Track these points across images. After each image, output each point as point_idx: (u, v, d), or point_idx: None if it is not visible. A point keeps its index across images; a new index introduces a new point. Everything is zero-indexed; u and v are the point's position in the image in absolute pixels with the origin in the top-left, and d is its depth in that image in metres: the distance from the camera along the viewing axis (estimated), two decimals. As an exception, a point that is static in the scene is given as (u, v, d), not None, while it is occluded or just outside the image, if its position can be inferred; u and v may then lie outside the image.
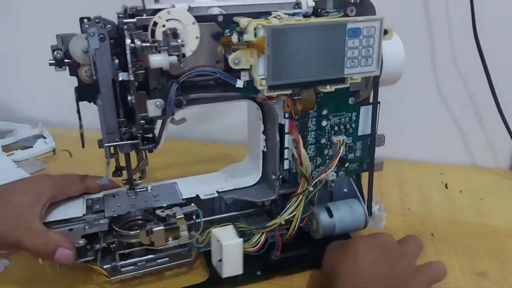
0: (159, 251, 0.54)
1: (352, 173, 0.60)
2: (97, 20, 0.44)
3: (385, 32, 0.50)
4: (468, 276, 0.57)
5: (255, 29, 0.45)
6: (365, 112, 0.57)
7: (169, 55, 0.45)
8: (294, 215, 0.55)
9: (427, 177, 0.81)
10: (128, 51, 0.43)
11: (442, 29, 0.80)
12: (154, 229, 0.51)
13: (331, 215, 0.57)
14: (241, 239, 0.51)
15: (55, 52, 0.47)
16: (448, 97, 0.84)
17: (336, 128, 0.56)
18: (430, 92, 0.84)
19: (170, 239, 0.53)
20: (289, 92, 0.49)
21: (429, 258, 0.58)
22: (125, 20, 0.44)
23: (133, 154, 0.53)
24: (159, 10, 0.45)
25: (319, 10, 0.51)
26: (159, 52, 0.44)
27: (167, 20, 0.45)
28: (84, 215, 0.53)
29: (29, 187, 0.51)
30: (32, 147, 0.87)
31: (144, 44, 0.44)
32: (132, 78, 0.44)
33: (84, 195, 0.56)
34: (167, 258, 0.54)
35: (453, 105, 0.85)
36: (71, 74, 0.49)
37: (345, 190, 0.62)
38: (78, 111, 0.49)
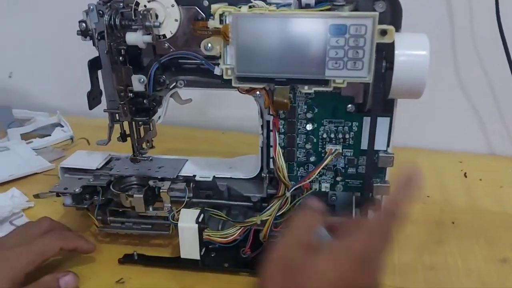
0: (147, 218, 0.58)
1: (353, 190, 0.53)
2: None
3: (384, 32, 0.43)
4: (491, 264, 0.56)
5: (220, 15, 0.44)
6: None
7: (147, 34, 0.48)
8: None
9: (445, 166, 0.80)
10: (105, 27, 0.47)
11: (463, 13, 0.78)
12: (134, 195, 0.55)
13: (309, 229, 0.52)
14: (196, 225, 0.51)
15: (80, 24, 0.54)
16: (467, 84, 0.83)
17: (332, 136, 0.51)
18: (449, 79, 0.82)
19: (150, 208, 0.56)
20: (261, 86, 0.47)
21: (450, 247, 0.60)
22: (115, -1, 0.49)
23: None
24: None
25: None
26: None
27: (148, 1, 0.47)
28: (97, 168, 0.61)
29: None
30: (50, 135, 0.88)
31: (123, 22, 0.47)
32: (105, 52, 0.48)
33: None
34: (150, 226, 0.58)
35: (472, 93, 0.83)
36: (93, 45, 0.55)
37: (350, 208, 0.55)
38: (91, 79, 0.55)
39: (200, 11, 0.48)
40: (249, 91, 0.49)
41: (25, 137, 0.88)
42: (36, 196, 0.65)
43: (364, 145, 0.50)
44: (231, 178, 0.58)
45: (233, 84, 0.46)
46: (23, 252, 0.50)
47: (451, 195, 0.71)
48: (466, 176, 0.77)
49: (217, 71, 0.48)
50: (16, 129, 0.88)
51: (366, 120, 0.49)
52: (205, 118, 0.97)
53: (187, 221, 0.52)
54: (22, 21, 1.00)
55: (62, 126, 0.92)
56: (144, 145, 0.60)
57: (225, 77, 0.46)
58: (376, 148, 0.50)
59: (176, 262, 0.55)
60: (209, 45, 0.46)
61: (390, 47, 0.44)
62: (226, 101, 0.93)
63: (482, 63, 0.80)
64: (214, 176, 0.58)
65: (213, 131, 0.94)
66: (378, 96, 0.46)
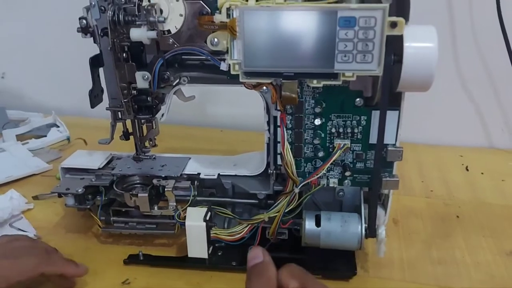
0: (151, 217, 0.57)
1: (361, 185, 0.53)
2: (102, -7, 0.48)
3: (393, 24, 0.42)
4: (498, 257, 0.57)
5: (227, 9, 0.43)
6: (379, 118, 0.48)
7: (152, 30, 0.47)
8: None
9: (447, 160, 0.81)
10: (108, 23, 0.46)
11: (463, 5, 0.78)
12: (139, 194, 0.54)
13: (318, 225, 0.51)
14: (204, 223, 0.50)
15: (80, 21, 0.53)
16: (467, 78, 0.83)
17: (340, 130, 0.50)
18: (449, 74, 0.82)
19: (155, 207, 0.55)
20: (269, 81, 0.46)
21: (457, 240, 0.60)
22: (118, -6, 0.47)
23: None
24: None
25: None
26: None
27: (152, -4, 0.46)
28: (99, 168, 0.60)
29: None
30: (46, 136, 0.86)
31: (126, 18, 0.46)
32: (109, 48, 0.47)
33: None
34: (155, 226, 0.57)
35: (471, 86, 0.83)
36: (94, 42, 0.54)
37: (358, 203, 0.54)
38: (93, 77, 0.54)
39: (205, 6, 0.47)
40: (255, 86, 0.48)
41: (21, 138, 0.86)
42: (35, 197, 0.64)
43: (372, 139, 0.50)
44: (236, 175, 0.57)
45: (241, 80, 0.45)
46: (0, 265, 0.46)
47: (454, 189, 0.71)
48: (468, 170, 0.77)
49: (223, 66, 0.47)
50: (11, 130, 0.86)
51: (375, 114, 0.49)
52: (203, 117, 0.96)
53: (195, 219, 0.51)
54: (15, 19, 0.98)
55: (58, 127, 0.90)
56: (146, 144, 0.59)
57: (232, 72, 0.45)
58: (384, 142, 0.49)
59: (183, 261, 0.54)
60: (216, 40, 0.45)
61: (399, 39, 0.44)
62: (224, 99, 0.93)
63: (482, 57, 0.80)
64: (219, 174, 0.57)
65: (212, 129, 0.93)
66: (387, 90, 0.45)
